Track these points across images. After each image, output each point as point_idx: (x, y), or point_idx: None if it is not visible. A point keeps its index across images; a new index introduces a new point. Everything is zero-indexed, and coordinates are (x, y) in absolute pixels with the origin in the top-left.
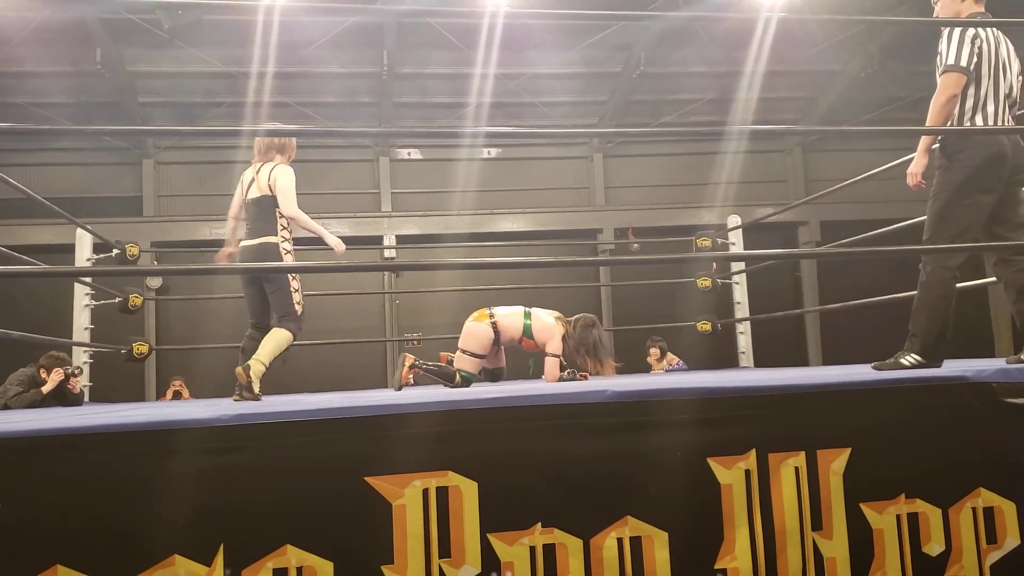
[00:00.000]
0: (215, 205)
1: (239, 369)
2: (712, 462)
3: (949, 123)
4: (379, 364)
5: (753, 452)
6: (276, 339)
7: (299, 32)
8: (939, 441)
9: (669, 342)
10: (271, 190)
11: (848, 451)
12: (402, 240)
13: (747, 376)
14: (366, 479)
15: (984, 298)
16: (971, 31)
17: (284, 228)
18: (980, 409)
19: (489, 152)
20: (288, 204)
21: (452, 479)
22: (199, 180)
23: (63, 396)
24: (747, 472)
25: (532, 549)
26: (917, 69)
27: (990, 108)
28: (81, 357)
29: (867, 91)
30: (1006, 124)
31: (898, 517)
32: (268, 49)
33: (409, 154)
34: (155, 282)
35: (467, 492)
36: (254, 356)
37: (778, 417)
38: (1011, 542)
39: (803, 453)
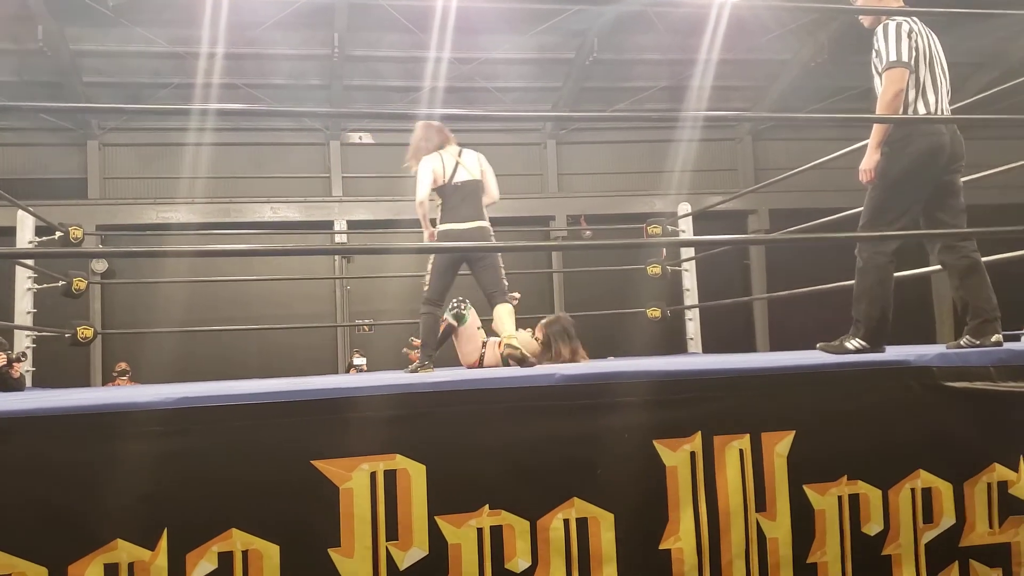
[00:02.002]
0: (162, 188)
1: (509, 352)
2: (658, 444)
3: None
4: (329, 350)
5: (699, 435)
6: (509, 314)
7: (248, 12)
8: (881, 424)
9: (619, 328)
10: (482, 175)
11: (792, 434)
12: (353, 225)
13: (694, 360)
14: (313, 463)
15: (927, 286)
16: (906, 26)
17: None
18: (921, 393)
19: None
20: (496, 189)
21: (400, 462)
22: (146, 163)
23: (3, 382)
24: (692, 454)
25: (480, 531)
26: (866, 59)
27: (931, 98)
28: (23, 342)
29: (817, 80)
30: (945, 114)
31: (840, 498)
32: (217, 29)
33: (360, 138)
34: (100, 266)
35: (415, 475)
36: (509, 336)
37: (724, 400)
38: (947, 520)
39: (748, 436)
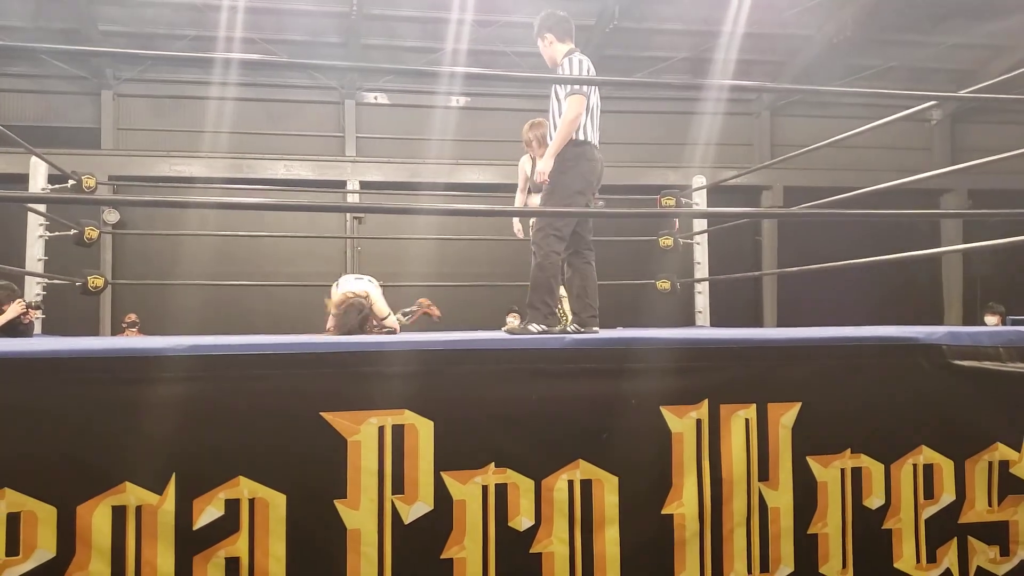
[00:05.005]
0: (175, 141)
1: None
2: (665, 410)
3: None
4: None
5: (705, 402)
6: None
7: None
8: (886, 399)
9: (628, 298)
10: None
11: (798, 405)
12: (366, 186)
13: (704, 331)
14: (323, 414)
15: (937, 268)
16: (586, 63)
17: None
18: (928, 370)
19: (458, 100)
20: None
21: (408, 417)
22: (160, 115)
23: (14, 328)
24: (698, 421)
25: (484, 488)
26: (888, 38)
27: (595, 123)
28: (34, 288)
29: (839, 57)
30: (598, 141)
31: (842, 471)
32: None
33: (376, 98)
34: (112, 216)
35: (423, 431)
36: None
37: (731, 370)
38: (947, 497)
39: (754, 405)
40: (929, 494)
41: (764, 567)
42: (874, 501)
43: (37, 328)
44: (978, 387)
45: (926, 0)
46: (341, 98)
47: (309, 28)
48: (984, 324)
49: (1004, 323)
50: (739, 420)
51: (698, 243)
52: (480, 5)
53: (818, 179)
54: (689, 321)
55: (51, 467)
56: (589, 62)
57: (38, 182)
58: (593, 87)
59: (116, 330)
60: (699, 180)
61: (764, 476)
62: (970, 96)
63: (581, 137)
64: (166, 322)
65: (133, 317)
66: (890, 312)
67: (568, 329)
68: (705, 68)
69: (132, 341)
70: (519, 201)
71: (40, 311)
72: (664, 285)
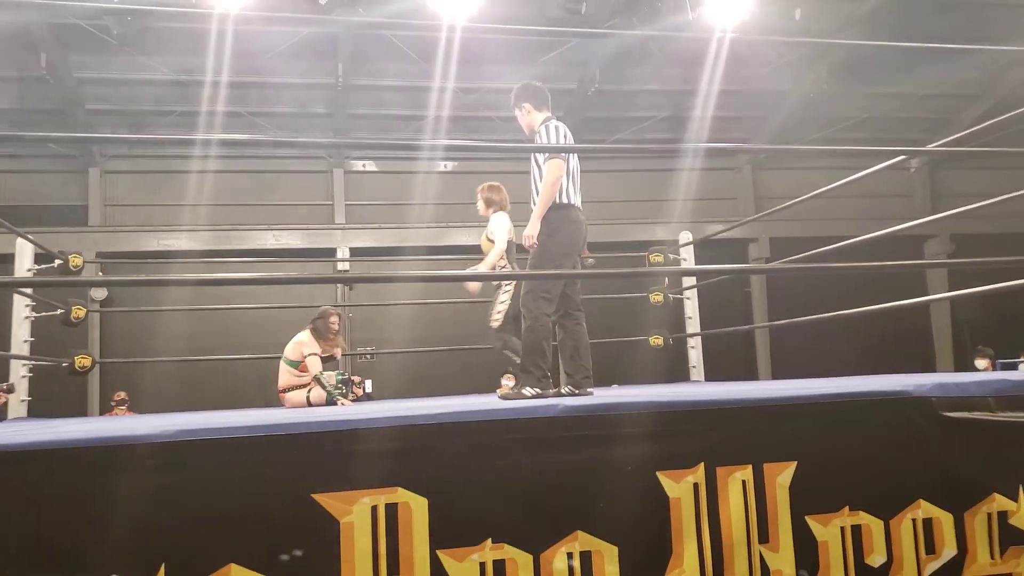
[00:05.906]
0: (163, 215)
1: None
2: (661, 476)
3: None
4: None
5: (701, 466)
6: None
7: (253, 41)
8: (881, 454)
9: (622, 356)
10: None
11: (794, 465)
12: (356, 253)
13: (696, 390)
14: (313, 496)
15: (927, 317)
16: (563, 129)
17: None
18: (920, 423)
19: (445, 165)
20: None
21: (402, 495)
22: (147, 190)
23: None
24: (695, 486)
25: (482, 565)
26: (863, 90)
27: (577, 186)
28: (20, 371)
29: (815, 110)
30: (580, 203)
31: (842, 529)
32: (221, 58)
33: (364, 166)
34: (100, 294)
35: (417, 509)
36: None
37: (726, 431)
38: (948, 552)
39: (750, 467)
40: (930, 549)
41: None
42: (876, 559)
43: (22, 411)
44: (970, 438)
45: (895, 52)
46: (329, 167)
47: (295, 100)
48: (975, 368)
49: (994, 366)
50: (736, 482)
51: (688, 298)
52: (462, 74)
53: (803, 229)
54: (683, 375)
55: (34, 563)
56: (565, 128)
57: (24, 263)
58: (570, 141)
59: (105, 408)
60: (686, 236)
61: (764, 538)
62: (942, 150)
63: (564, 200)
64: (157, 397)
65: (123, 395)
66: (883, 357)
67: (563, 392)
68: (686, 126)
69: (117, 426)
70: None
71: (13, 393)
72: (657, 341)
